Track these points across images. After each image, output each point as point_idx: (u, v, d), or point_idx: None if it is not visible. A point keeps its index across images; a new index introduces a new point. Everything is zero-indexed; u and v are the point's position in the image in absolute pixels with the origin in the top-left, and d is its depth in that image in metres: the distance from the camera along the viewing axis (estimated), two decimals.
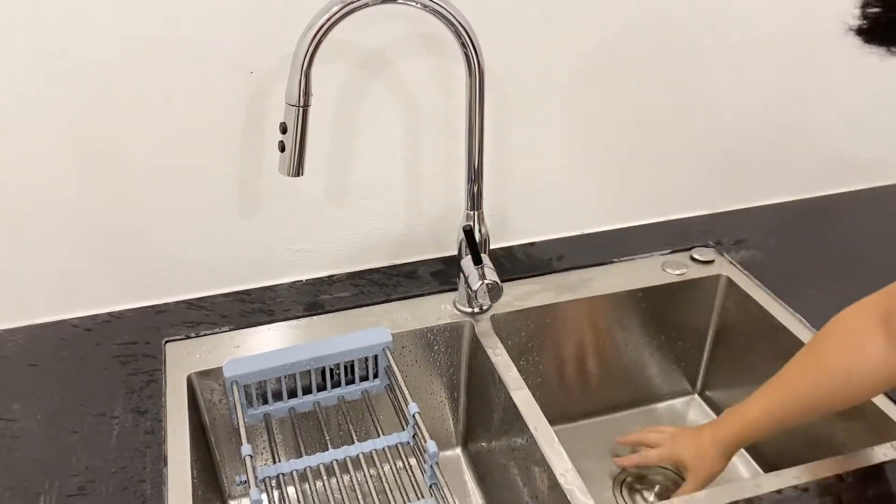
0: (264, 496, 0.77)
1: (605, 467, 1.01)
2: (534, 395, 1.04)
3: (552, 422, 1.08)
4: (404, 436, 0.85)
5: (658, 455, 0.88)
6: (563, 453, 0.76)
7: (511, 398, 0.83)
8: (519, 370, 1.00)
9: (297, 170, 0.79)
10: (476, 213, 0.90)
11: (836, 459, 0.74)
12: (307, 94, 0.75)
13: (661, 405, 1.13)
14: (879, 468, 0.73)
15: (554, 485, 0.74)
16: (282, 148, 0.78)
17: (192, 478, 0.74)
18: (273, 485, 0.80)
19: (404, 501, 0.77)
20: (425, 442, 0.78)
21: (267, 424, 0.88)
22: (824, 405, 0.72)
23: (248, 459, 0.75)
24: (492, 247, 1.08)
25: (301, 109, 0.75)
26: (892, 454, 0.75)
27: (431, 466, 0.77)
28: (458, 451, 1.04)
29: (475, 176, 0.87)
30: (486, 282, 0.87)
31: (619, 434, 1.07)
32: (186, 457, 0.75)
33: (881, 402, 0.81)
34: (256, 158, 0.91)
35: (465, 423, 1.02)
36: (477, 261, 0.87)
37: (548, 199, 1.08)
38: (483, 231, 0.91)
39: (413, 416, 0.82)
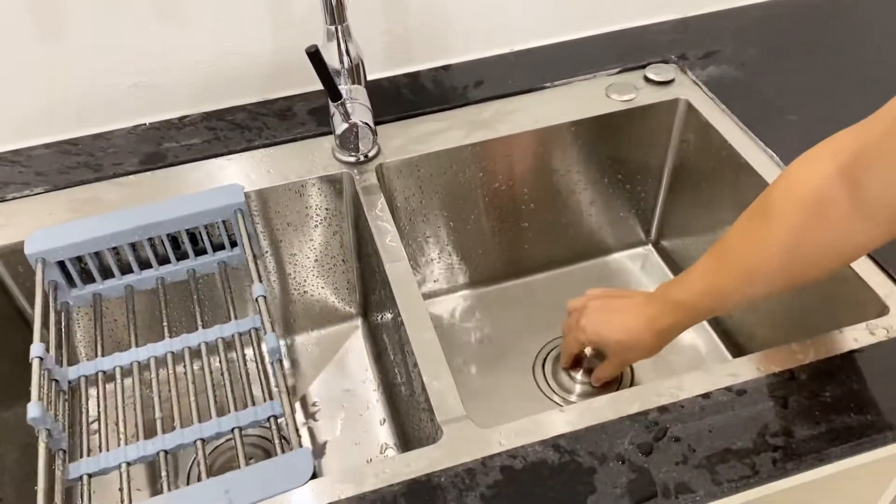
0: (84, 401, 0.62)
1: (535, 335, 0.86)
2: (449, 258, 0.87)
3: (477, 284, 0.93)
4: (258, 320, 0.68)
5: (613, 368, 0.72)
6: (437, 344, 0.59)
7: (385, 271, 0.65)
8: (416, 232, 0.82)
9: None
10: (338, 27, 0.67)
11: (790, 348, 0.57)
12: None
13: (609, 258, 0.95)
14: (845, 359, 0.56)
15: (421, 387, 0.58)
16: None
17: None
18: (88, 384, 0.64)
19: (246, 402, 0.62)
20: (265, 334, 0.61)
21: (95, 308, 0.71)
22: (775, 281, 0.53)
23: (35, 363, 0.59)
24: (395, 72, 0.86)
25: None
26: (866, 338, 0.57)
27: (272, 364, 0.61)
28: (359, 321, 0.88)
29: None
30: (350, 124, 0.66)
31: (555, 294, 0.91)
32: None
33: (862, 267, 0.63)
34: None
35: (362, 293, 0.85)
36: (334, 96, 0.65)
37: (466, 6, 0.84)
38: (352, 53, 0.69)
39: (256, 300, 0.65)
